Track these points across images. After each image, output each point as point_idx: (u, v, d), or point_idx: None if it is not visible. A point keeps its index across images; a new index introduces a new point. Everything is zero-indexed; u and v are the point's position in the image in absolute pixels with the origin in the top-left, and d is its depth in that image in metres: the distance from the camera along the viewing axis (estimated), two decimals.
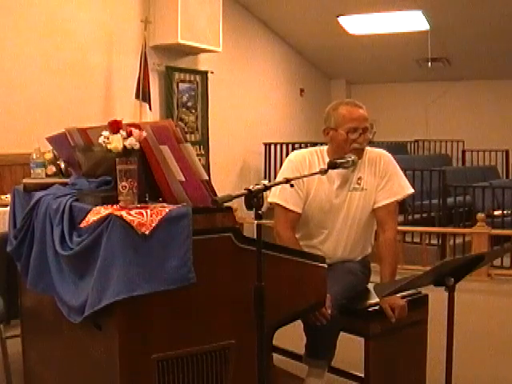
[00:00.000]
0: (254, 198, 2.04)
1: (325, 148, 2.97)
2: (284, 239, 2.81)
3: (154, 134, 2.18)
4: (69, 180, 2.73)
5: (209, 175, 2.18)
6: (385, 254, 2.86)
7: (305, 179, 2.83)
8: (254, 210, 2.04)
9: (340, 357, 2.91)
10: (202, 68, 7.70)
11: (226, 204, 2.09)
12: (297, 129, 9.67)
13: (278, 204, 2.87)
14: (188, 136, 7.09)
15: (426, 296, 2.96)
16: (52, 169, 3.00)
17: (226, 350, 2.16)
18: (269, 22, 8.94)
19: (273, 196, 2.88)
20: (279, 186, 2.77)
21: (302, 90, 10.00)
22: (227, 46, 7.61)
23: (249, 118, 8.67)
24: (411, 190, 2.95)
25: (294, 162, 2.92)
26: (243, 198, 2.05)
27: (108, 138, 2.09)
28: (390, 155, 2.97)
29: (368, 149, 2.92)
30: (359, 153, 2.81)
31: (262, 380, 2.03)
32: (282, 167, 2.98)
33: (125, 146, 2.06)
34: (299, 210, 2.88)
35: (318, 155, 2.93)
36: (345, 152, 2.78)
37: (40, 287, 2.41)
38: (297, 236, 2.92)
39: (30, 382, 2.98)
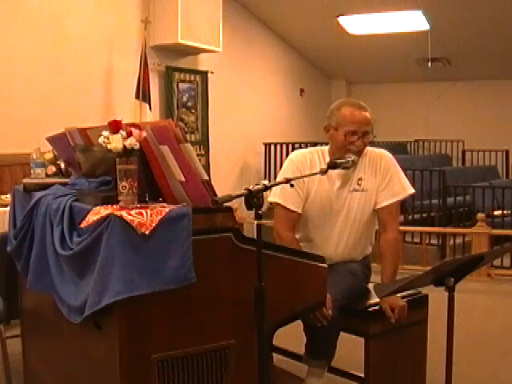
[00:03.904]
0: (253, 198, 2.04)
1: (326, 148, 2.96)
2: (284, 239, 2.81)
3: (153, 134, 2.18)
4: (69, 180, 2.73)
5: (209, 175, 2.18)
6: (386, 254, 2.86)
7: (305, 179, 2.83)
8: (254, 210, 2.04)
9: (340, 357, 2.91)
10: (202, 68, 7.70)
11: (226, 204, 2.09)
12: (297, 129, 9.67)
13: (278, 204, 2.87)
14: (188, 136, 7.09)
15: (426, 296, 2.96)
16: (52, 169, 2.99)
17: (226, 350, 2.16)
18: (269, 22, 8.94)
19: (273, 196, 2.88)
20: (280, 186, 2.77)
21: (302, 90, 10.00)
22: (227, 46, 7.61)
23: (249, 117, 8.67)
24: (412, 191, 2.95)
25: (295, 162, 2.92)
26: (243, 198, 2.05)
27: (108, 138, 2.08)
28: (390, 155, 2.97)
29: (369, 149, 2.92)
30: (356, 154, 2.80)
31: (262, 380, 2.03)
32: (283, 167, 2.98)
33: (125, 146, 2.06)
34: (299, 210, 2.87)
35: (319, 155, 2.93)
36: (341, 153, 2.78)
37: (40, 287, 2.41)
38: (297, 236, 2.92)
39: (30, 382, 2.98)
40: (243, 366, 2.18)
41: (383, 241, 2.88)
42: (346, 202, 2.87)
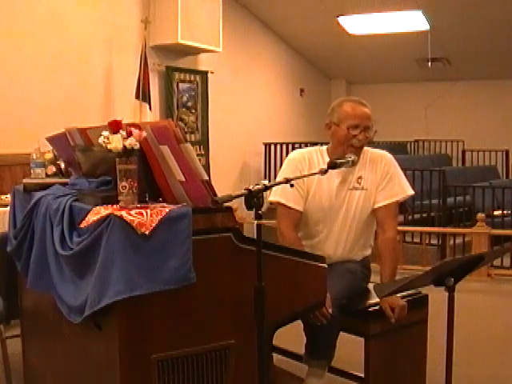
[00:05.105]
0: (254, 198, 2.04)
1: (325, 148, 2.98)
2: (287, 238, 2.82)
3: (153, 134, 2.18)
4: (69, 180, 2.73)
5: (209, 175, 2.18)
6: (385, 254, 2.86)
7: (304, 178, 2.83)
8: (254, 210, 2.04)
9: (340, 357, 2.91)
10: (202, 68, 7.70)
11: (225, 204, 2.09)
12: (297, 129, 9.68)
13: (279, 203, 2.88)
14: (188, 136, 7.09)
15: (426, 296, 2.96)
16: (52, 169, 2.99)
17: (226, 350, 2.16)
18: (269, 22, 8.94)
19: (274, 195, 2.88)
20: (280, 185, 2.77)
21: (302, 90, 10.00)
22: (227, 45, 7.62)
23: (249, 117, 8.67)
24: (411, 192, 2.95)
25: (294, 161, 2.93)
26: (243, 198, 2.05)
27: (108, 138, 2.08)
28: (391, 156, 2.98)
29: (370, 149, 2.93)
30: (357, 151, 2.82)
31: (262, 380, 2.03)
32: (282, 167, 2.99)
33: (125, 146, 2.06)
34: (301, 209, 2.88)
35: (318, 154, 2.94)
36: (343, 148, 2.80)
37: (40, 287, 2.41)
38: (299, 235, 2.92)
39: (30, 382, 2.98)
40: (243, 366, 2.18)
41: (381, 241, 2.88)
42: (346, 199, 2.88)
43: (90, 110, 6.07)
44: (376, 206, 2.89)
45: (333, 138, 2.91)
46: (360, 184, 2.88)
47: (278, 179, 2.62)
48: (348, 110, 2.84)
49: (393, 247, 2.88)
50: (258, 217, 2.04)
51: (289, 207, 2.86)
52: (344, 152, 2.78)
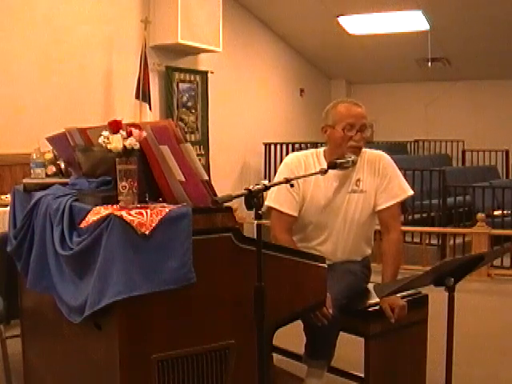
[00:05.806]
0: (253, 198, 2.04)
1: (321, 150, 2.97)
2: (281, 242, 2.79)
3: (153, 134, 2.18)
4: (69, 180, 2.73)
5: (209, 175, 2.18)
6: (388, 255, 2.86)
7: (300, 183, 2.83)
8: (254, 210, 2.04)
9: (340, 357, 2.91)
10: (201, 68, 7.70)
11: (225, 204, 2.09)
12: (297, 129, 9.67)
13: (273, 208, 2.87)
14: (188, 136, 7.09)
15: (426, 296, 2.96)
16: (52, 169, 2.99)
17: (226, 350, 2.16)
18: (269, 22, 8.94)
19: (268, 200, 2.88)
20: (275, 189, 2.78)
21: (302, 90, 10.00)
22: (227, 45, 7.62)
23: (249, 117, 8.67)
24: (411, 192, 2.95)
25: (290, 166, 2.92)
26: (243, 198, 2.05)
27: (108, 138, 2.08)
28: (388, 157, 2.97)
29: (367, 150, 2.93)
30: (356, 151, 2.81)
31: (262, 380, 2.03)
32: (278, 171, 2.98)
33: (125, 146, 2.06)
34: (294, 213, 2.87)
35: (314, 158, 2.93)
36: (342, 150, 2.79)
37: (40, 287, 2.41)
38: (296, 239, 2.92)
39: (30, 382, 2.98)
40: (243, 366, 2.18)
41: (385, 242, 2.88)
42: (344, 202, 2.87)
43: (90, 110, 6.07)
44: (379, 209, 2.89)
45: (329, 141, 2.90)
46: (359, 187, 2.88)
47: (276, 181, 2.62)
48: (342, 111, 2.83)
49: (396, 249, 2.87)
50: (258, 217, 2.04)
51: (282, 212, 2.86)
52: (343, 154, 2.77)
